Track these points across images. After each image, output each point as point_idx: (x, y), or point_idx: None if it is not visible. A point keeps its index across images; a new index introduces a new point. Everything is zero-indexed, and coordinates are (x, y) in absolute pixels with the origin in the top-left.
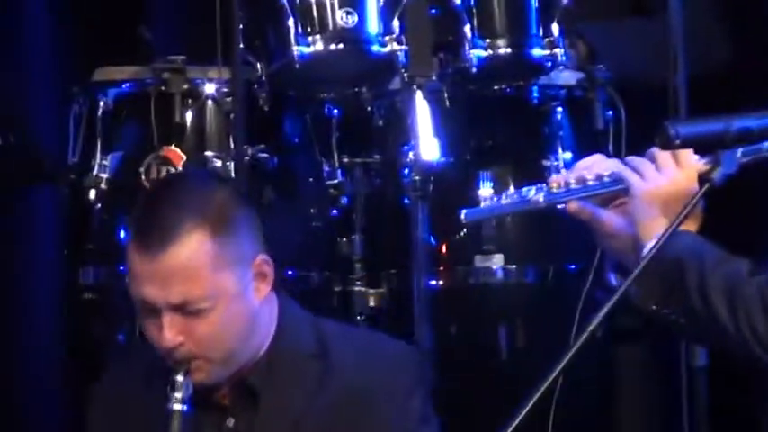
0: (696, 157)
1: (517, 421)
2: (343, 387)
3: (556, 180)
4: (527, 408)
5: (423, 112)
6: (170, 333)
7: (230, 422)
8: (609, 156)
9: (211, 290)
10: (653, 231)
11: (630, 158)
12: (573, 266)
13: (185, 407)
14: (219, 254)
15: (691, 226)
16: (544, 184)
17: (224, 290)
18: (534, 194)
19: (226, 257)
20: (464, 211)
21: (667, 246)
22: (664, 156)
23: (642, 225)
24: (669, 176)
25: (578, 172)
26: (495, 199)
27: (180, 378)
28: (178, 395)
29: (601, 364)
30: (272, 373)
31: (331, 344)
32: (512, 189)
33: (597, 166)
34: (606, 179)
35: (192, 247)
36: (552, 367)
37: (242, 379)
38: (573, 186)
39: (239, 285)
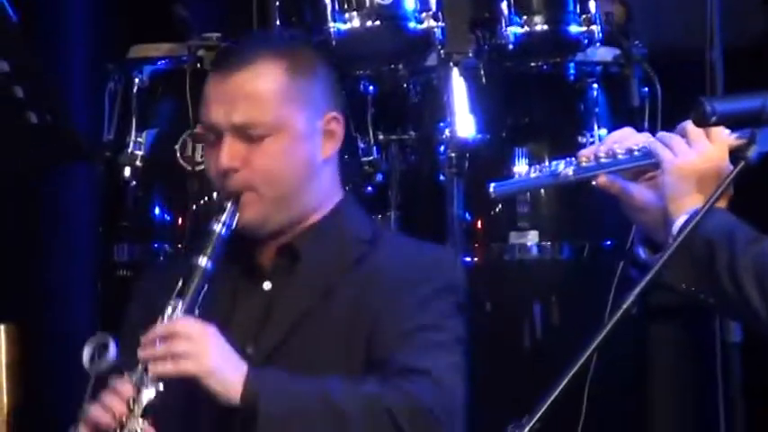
0: (728, 131)
1: (552, 398)
2: (377, 270)
3: (585, 154)
4: (562, 385)
5: (459, 88)
6: (228, 155)
7: (267, 285)
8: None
9: (275, 118)
10: (683, 207)
11: (662, 134)
12: (608, 243)
13: (224, 230)
14: (289, 88)
15: (721, 203)
16: (573, 158)
17: (288, 124)
18: (564, 168)
19: (295, 94)
20: (493, 185)
21: (698, 224)
22: (695, 130)
23: (672, 200)
24: (700, 151)
25: (608, 145)
26: (524, 173)
27: (228, 204)
28: (222, 217)
29: (635, 341)
30: (318, 242)
31: (384, 237)
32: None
33: (628, 139)
34: (636, 153)
35: (264, 72)
36: (587, 345)
37: (288, 243)
38: (603, 160)
39: (305, 128)
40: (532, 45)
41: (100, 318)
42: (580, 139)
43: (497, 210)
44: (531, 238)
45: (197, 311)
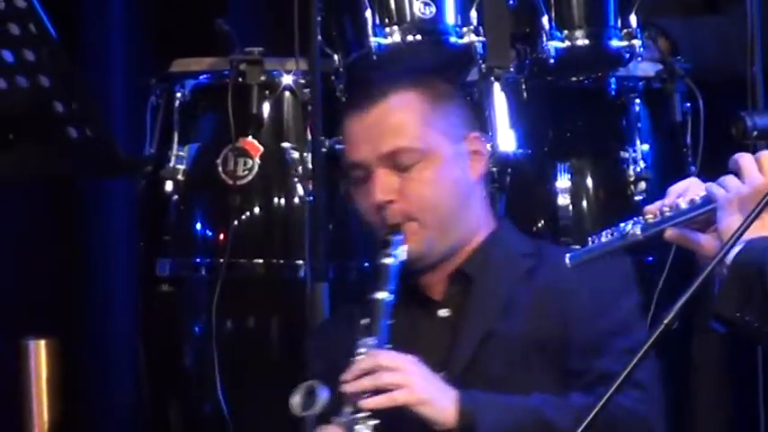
0: None
1: (595, 412)
2: (553, 279)
3: (651, 210)
4: (606, 398)
5: (500, 103)
6: (381, 188)
7: (443, 312)
8: (686, 148)
9: (421, 144)
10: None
11: (721, 178)
12: (650, 258)
13: (395, 262)
14: (429, 113)
15: None
16: (640, 216)
17: (434, 150)
18: (631, 228)
19: (435, 120)
20: (568, 255)
21: (749, 252)
22: (746, 163)
23: (726, 233)
24: (752, 184)
25: (672, 198)
26: (596, 239)
27: (393, 237)
28: (389, 250)
29: (678, 354)
30: (487, 262)
31: (545, 248)
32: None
33: (691, 190)
34: (698, 201)
35: (402, 101)
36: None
37: (458, 269)
38: (667, 214)
39: (450, 152)
40: (574, 59)
41: (142, 332)
42: (622, 154)
43: (540, 225)
44: None
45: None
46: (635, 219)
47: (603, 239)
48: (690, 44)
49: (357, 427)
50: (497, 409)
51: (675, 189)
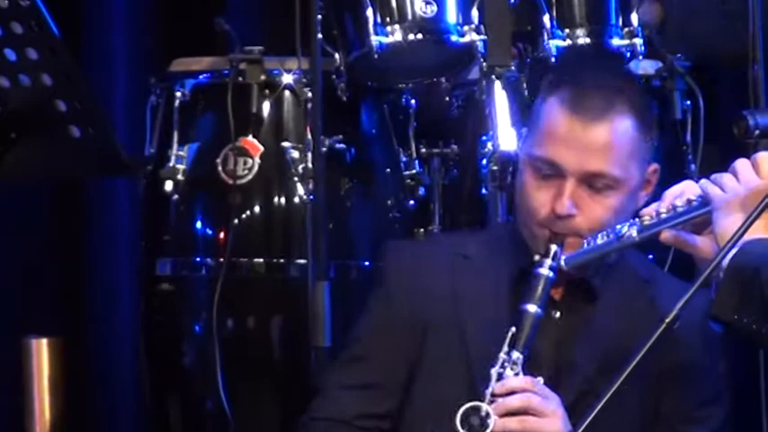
0: None
1: (593, 414)
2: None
3: (647, 212)
4: (604, 400)
5: (501, 101)
6: (569, 201)
7: (556, 314)
8: (686, 146)
9: (623, 174)
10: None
11: (714, 176)
12: (650, 256)
13: (551, 274)
14: (637, 144)
15: None
16: (637, 218)
17: (630, 180)
18: (627, 229)
19: (639, 150)
20: (563, 257)
21: (746, 254)
22: (743, 165)
23: (723, 235)
24: (749, 186)
25: (668, 200)
26: (591, 241)
27: (554, 247)
28: (549, 262)
29: None
30: (612, 280)
31: (658, 275)
32: None
33: (687, 192)
34: (694, 203)
35: (624, 128)
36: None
37: (582, 279)
38: (663, 215)
39: (639, 182)
40: (575, 58)
41: (143, 332)
42: None
43: None
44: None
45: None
46: (631, 220)
47: (599, 241)
48: (685, 13)
49: None
50: None
51: (671, 192)
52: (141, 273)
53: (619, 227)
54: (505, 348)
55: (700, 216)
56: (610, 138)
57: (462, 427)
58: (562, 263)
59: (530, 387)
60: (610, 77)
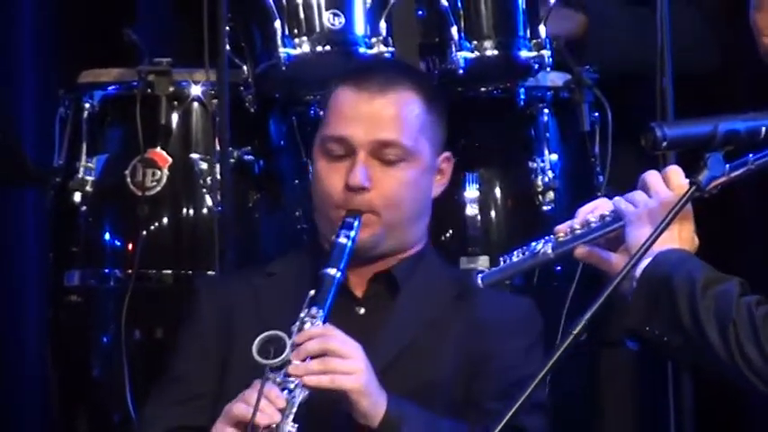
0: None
1: (505, 421)
2: (479, 309)
3: (561, 228)
4: (514, 408)
5: None
6: (363, 172)
7: (360, 311)
8: (595, 158)
9: (414, 145)
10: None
11: (629, 194)
12: (558, 268)
13: (350, 244)
14: (426, 123)
15: (686, 243)
16: (552, 235)
17: (421, 154)
18: (542, 246)
19: (428, 127)
20: (479, 276)
21: (657, 264)
22: (653, 179)
23: (634, 248)
24: (659, 199)
25: (581, 216)
26: (507, 259)
27: (349, 219)
28: (350, 233)
29: (587, 365)
30: (418, 273)
31: (467, 278)
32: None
33: (600, 208)
34: (608, 218)
35: (409, 100)
36: (538, 369)
37: (386, 270)
38: (578, 231)
39: (430, 162)
40: (483, 70)
41: (51, 343)
42: (531, 164)
43: (447, 235)
44: (482, 263)
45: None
46: (546, 237)
47: (515, 258)
48: (603, 23)
49: (295, 394)
50: (422, 423)
51: (584, 209)
52: (49, 284)
53: (534, 244)
54: (305, 309)
55: (613, 231)
56: (397, 107)
57: (260, 355)
58: (479, 281)
59: (328, 332)
60: (394, 63)
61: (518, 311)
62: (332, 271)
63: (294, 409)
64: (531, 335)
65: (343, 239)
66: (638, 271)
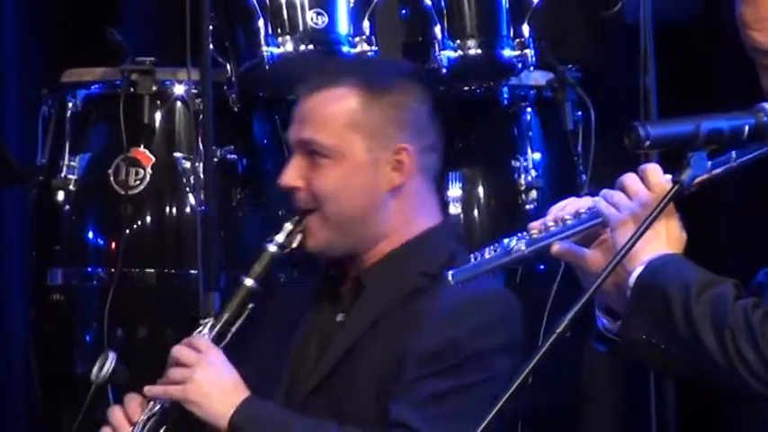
0: (665, 175)
1: (487, 421)
2: (422, 308)
3: (535, 225)
4: (496, 408)
5: None
6: (291, 172)
7: (340, 317)
8: (578, 156)
9: (337, 143)
10: (638, 258)
11: (605, 191)
12: (542, 267)
13: (278, 251)
14: (358, 114)
15: (674, 245)
16: (525, 232)
17: (348, 152)
18: (516, 243)
19: (364, 123)
20: (451, 273)
21: (652, 273)
22: (631, 182)
23: (628, 255)
24: (642, 201)
25: (555, 213)
26: (478, 255)
27: (288, 225)
28: (277, 238)
29: (570, 365)
30: (382, 274)
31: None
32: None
33: (572, 204)
34: (584, 215)
35: (337, 96)
36: (521, 368)
37: (357, 276)
38: (552, 228)
39: (368, 157)
40: (466, 69)
41: (34, 341)
42: (514, 163)
43: None
44: None
45: (232, 331)
46: (519, 234)
47: (487, 255)
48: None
49: (152, 404)
50: (272, 427)
51: (557, 207)
52: (32, 283)
53: (507, 240)
54: (204, 320)
55: (589, 228)
56: (320, 106)
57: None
58: (450, 278)
59: (188, 342)
60: (344, 61)
61: (452, 303)
62: (248, 282)
63: (153, 419)
64: (452, 329)
65: (268, 246)
66: (632, 280)
